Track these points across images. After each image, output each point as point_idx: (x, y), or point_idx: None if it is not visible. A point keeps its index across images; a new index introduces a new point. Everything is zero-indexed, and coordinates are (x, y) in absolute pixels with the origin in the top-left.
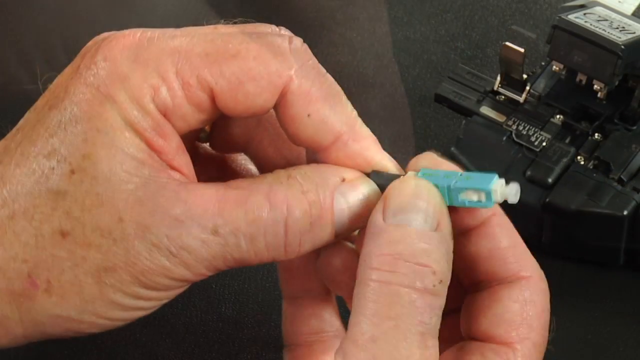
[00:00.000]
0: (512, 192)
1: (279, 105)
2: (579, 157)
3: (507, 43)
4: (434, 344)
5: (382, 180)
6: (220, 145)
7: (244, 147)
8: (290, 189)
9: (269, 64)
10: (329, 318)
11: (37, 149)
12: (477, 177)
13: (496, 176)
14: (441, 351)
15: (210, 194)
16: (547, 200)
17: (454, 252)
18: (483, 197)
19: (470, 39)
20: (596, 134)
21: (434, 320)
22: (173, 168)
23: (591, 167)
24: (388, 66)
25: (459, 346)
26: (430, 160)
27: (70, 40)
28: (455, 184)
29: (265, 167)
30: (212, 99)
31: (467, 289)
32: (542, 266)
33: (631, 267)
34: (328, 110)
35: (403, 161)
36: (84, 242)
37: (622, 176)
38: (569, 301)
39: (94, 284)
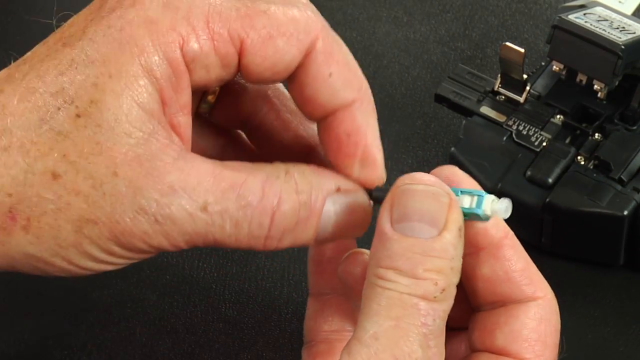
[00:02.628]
0: (502, 207)
1: (301, 65)
2: (579, 157)
3: (507, 43)
4: (436, 344)
5: (383, 194)
6: (223, 117)
7: (247, 120)
8: (285, 185)
9: (298, 22)
10: (352, 318)
11: (45, 86)
12: (465, 190)
13: (486, 194)
14: None
15: (206, 169)
16: (547, 200)
17: (467, 273)
18: (474, 203)
19: (470, 39)
20: (596, 134)
21: (438, 323)
22: (172, 125)
23: (591, 167)
24: (388, 66)
25: (471, 357)
26: (450, 172)
27: None
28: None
29: (267, 144)
30: (239, 55)
31: (477, 308)
32: (542, 266)
33: (631, 267)
34: (348, 71)
35: (403, 161)
36: (73, 189)
37: (622, 176)
38: (569, 301)
39: (72, 231)
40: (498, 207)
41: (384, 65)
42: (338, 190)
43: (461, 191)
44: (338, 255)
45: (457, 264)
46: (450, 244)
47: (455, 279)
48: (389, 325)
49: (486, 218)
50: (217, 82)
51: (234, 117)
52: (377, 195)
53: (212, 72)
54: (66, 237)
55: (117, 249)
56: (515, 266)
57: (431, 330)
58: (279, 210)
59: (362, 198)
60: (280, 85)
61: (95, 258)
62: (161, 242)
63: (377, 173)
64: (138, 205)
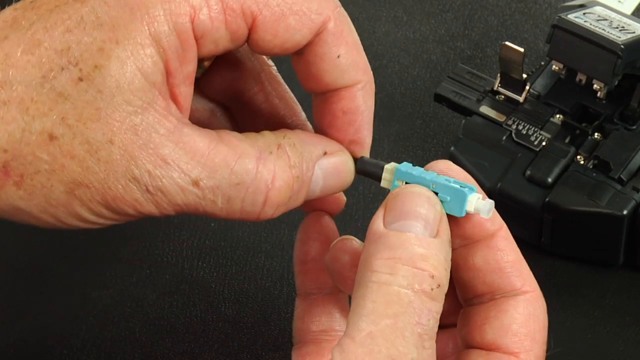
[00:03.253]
0: (485, 207)
1: (311, 43)
2: (578, 157)
3: (507, 43)
4: (431, 345)
5: (366, 167)
6: (213, 88)
7: (236, 96)
8: (278, 161)
9: (312, 1)
10: (340, 317)
11: (51, 41)
12: (455, 181)
13: (475, 189)
14: None
15: (201, 143)
16: (547, 199)
17: (459, 263)
18: (457, 196)
19: (470, 38)
20: (596, 134)
21: (432, 323)
22: (173, 95)
23: (591, 167)
24: (388, 66)
25: (461, 354)
26: (445, 166)
27: None
28: (435, 180)
29: (251, 124)
30: (250, 30)
31: (466, 302)
32: (542, 266)
33: (631, 267)
34: (356, 53)
35: (402, 161)
36: (69, 152)
37: (621, 176)
38: (568, 301)
39: (64, 192)
40: (482, 207)
41: (383, 64)
42: (325, 154)
43: (452, 181)
44: (322, 254)
45: (448, 267)
46: (443, 245)
47: (446, 282)
48: (386, 324)
49: (464, 213)
50: (223, 53)
51: (224, 90)
52: (360, 168)
53: (221, 45)
54: (57, 197)
55: (105, 212)
56: (507, 257)
57: (425, 331)
58: (273, 188)
59: (346, 157)
60: (274, 69)
61: (83, 218)
62: (151, 210)
63: (362, 154)
64: (131, 174)
